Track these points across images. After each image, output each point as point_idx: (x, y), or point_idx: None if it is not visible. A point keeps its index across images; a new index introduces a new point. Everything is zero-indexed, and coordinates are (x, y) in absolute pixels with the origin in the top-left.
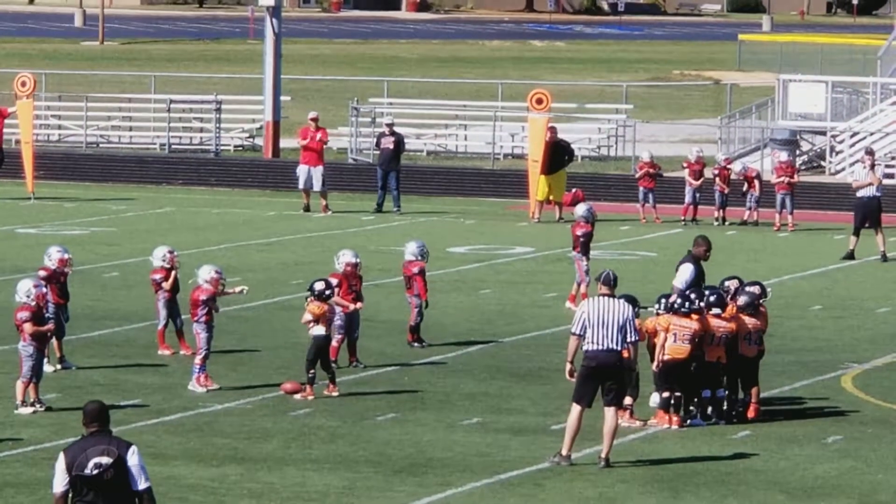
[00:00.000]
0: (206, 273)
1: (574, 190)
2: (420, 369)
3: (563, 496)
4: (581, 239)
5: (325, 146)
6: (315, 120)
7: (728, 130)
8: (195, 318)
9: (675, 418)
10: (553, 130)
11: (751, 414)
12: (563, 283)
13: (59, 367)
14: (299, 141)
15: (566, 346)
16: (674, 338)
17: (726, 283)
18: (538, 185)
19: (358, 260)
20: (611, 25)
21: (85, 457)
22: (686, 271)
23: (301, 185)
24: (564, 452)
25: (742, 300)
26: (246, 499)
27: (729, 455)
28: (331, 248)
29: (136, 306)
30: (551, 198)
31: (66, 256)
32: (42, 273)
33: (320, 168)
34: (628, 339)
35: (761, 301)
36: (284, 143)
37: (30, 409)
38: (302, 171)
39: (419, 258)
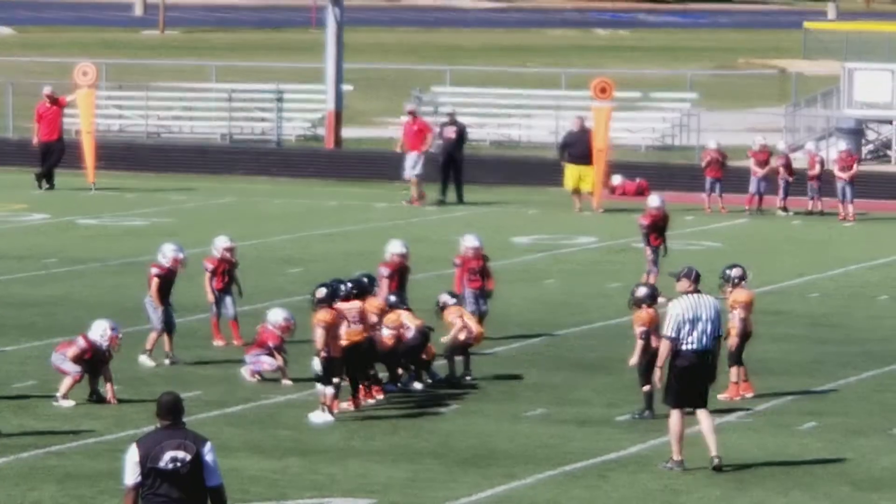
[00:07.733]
0: (275, 316)
1: (638, 180)
2: (483, 360)
3: (628, 488)
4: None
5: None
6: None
7: (793, 119)
8: (255, 360)
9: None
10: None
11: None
12: (628, 273)
13: (166, 362)
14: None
15: (630, 336)
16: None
17: (727, 272)
18: (567, 175)
19: (406, 250)
20: (675, 13)
21: (160, 449)
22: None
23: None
24: (676, 458)
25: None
26: (308, 491)
27: (794, 447)
28: (394, 238)
29: (196, 297)
30: (581, 187)
31: (180, 256)
32: (155, 270)
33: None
34: (719, 334)
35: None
36: (346, 132)
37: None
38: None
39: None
